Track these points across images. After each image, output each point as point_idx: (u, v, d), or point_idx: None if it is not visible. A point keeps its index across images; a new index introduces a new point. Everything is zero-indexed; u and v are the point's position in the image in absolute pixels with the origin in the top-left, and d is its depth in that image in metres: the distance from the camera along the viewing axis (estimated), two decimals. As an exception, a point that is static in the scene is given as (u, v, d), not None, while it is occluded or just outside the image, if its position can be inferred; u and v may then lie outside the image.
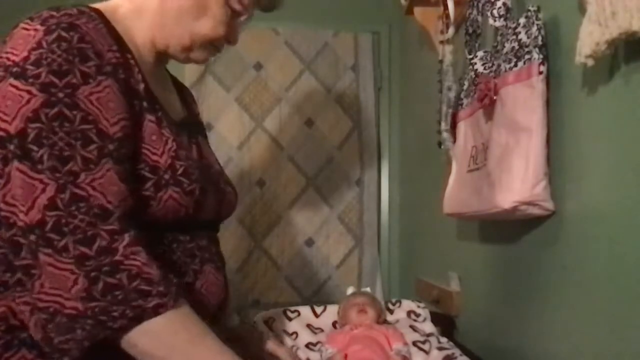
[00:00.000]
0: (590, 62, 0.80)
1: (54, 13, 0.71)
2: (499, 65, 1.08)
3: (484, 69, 1.16)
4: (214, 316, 0.85)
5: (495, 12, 1.08)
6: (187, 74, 2.10)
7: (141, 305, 0.65)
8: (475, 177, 1.18)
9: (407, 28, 2.17)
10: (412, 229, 2.17)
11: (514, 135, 1.02)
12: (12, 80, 0.66)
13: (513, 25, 1.04)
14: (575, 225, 0.95)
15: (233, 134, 2.27)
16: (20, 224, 0.64)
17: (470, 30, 1.22)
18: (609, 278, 0.85)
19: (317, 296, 2.25)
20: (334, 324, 1.37)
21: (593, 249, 0.90)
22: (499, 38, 1.10)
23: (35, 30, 0.69)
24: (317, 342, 1.29)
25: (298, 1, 2.36)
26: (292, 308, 1.39)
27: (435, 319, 1.41)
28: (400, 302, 1.43)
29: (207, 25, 0.84)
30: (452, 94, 1.42)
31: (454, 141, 1.37)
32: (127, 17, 0.82)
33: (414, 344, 1.25)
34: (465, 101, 1.29)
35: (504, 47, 1.06)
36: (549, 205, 1.00)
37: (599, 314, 0.88)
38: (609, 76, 0.84)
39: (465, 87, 1.30)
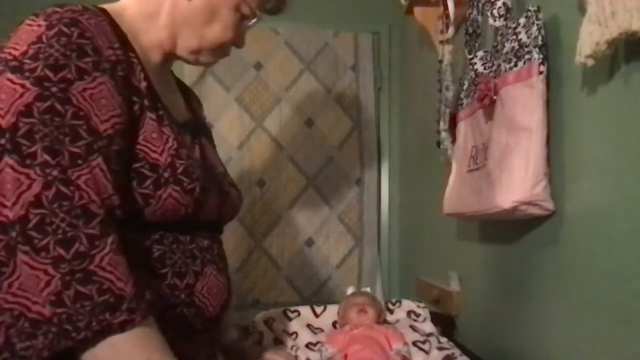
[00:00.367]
0: (590, 62, 0.80)
1: (58, 9, 0.71)
2: (499, 65, 1.08)
3: (484, 69, 1.16)
4: (216, 318, 0.84)
5: (495, 12, 1.08)
6: (187, 74, 2.10)
7: (108, 319, 0.63)
8: (475, 177, 1.18)
9: (407, 28, 2.17)
10: (412, 229, 2.17)
11: (514, 135, 1.02)
12: (8, 74, 0.66)
13: (513, 25, 1.04)
14: (575, 225, 0.95)
15: (233, 134, 2.27)
16: (2, 219, 0.62)
17: (470, 30, 1.22)
18: (609, 278, 0.85)
19: (317, 296, 2.25)
20: (334, 324, 1.37)
21: (593, 249, 0.90)
22: (499, 38, 1.10)
23: (39, 25, 0.69)
24: (317, 342, 1.29)
25: (298, 1, 2.35)
26: (292, 308, 1.39)
27: (435, 319, 1.41)
28: (400, 302, 1.43)
29: (217, 30, 0.86)
30: (449, 94, 1.43)
31: (453, 141, 1.37)
32: (135, 19, 0.83)
33: (414, 344, 1.25)
34: (465, 101, 1.29)
35: (504, 47, 1.06)
36: (549, 205, 1.00)
37: (599, 314, 0.88)
38: (609, 76, 0.84)
39: (465, 87, 1.30)
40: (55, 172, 0.64)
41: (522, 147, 1.00)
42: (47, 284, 0.62)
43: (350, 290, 1.41)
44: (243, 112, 2.28)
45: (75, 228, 0.64)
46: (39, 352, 0.61)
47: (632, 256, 0.80)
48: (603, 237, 0.87)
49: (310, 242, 2.29)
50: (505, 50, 1.05)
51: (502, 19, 1.07)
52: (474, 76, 1.20)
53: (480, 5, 1.17)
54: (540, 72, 0.98)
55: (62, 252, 0.63)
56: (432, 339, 1.28)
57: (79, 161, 0.66)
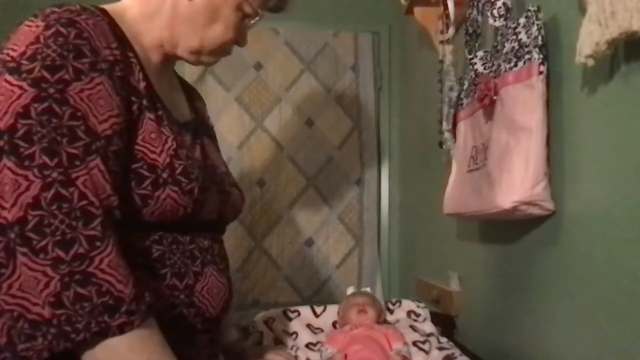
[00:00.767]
0: (590, 62, 0.80)
1: (56, 9, 0.71)
2: (499, 65, 1.08)
3: (484, 69, 1.16)
4: (217, 318, 0.84)
5: (495, 12, 1.08)
6: (187, 74, 2.10)
7: (107, 321, 0.63)
8: (475, 177, 1.18)
9: (407, 28, 2.17)
10: (412, 229, 2.17)
11: (514, 135, 1.02)
12: (7, 76, 0.66)
13: (513, 25, 1.04)
14: (575, 225, 0.95)
15: (233, 134, 2.27)
16: (1, 221, 0.62)
17: (470, 30, 1.22)
18: (609, 278, 0.85)
19: (317, 296, 2.25)
20: (334, 324, 1.37)
21: (593, 249, 0.90)
22: (499, 38, 1.10)
23: (37, 26, 0.69)
24: (317, 342, 1.29)
25: (298, 1, 2.35)
26: (292, 308, 1.39)
27: (435, 319, 1.41)
28: (400, 302, 1.43)
29: (219, 30, 0.85)
30: (453, 94, 1.42)
31: (455, 141, 1.37)
32: (136, 19, 0.83)
33: (414, 344, 1.25)
34: (465, 101, 1.29)
35: (504, 47, 1.06)
36: (549, 205, 1.00)
37: (599, 314, 0.88)
38: (609, 76, 0.84)
39: (465, 87, 1.30)
40: (54, 174, 0.64)
41: (522, 147, 1.00)
42: (47, 285, 0.62)
43: (350, 290, 1.41)
44: (243, 112, 2.28)
45: (75, 229, 0.64)
46: (39, 353, 0.61)
47: (632, 256, 0.80)
48: (603, 237, 0.87)
49: (310, 242, 2.29)
50: (505, 50, 1.05)
51: (502, 19, 1.07)
52: (474, 76, 1.20)
53: (480, 5, 1.17)
54: (540, 72, 0.98)
55: (61, 253, 0.63)
56: (432, 339, 1.28)
57: (77, 162, 0.66)
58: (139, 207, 0.74)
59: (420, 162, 2.01)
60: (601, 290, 0.87)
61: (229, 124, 2.26)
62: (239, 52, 2.25)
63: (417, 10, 1.72)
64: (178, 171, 0.76)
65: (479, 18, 1.19)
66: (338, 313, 1.36)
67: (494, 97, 1.07)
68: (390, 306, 1.42)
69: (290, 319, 1.36)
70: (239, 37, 0.90)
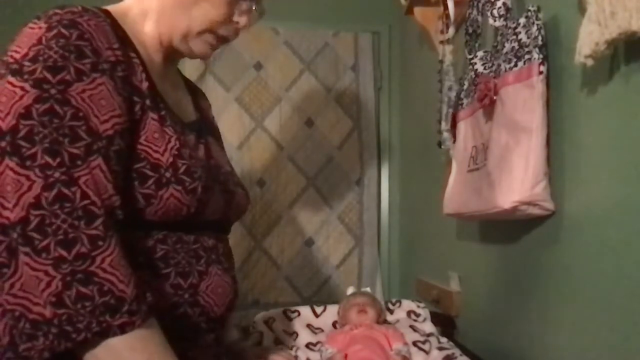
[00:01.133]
0: (590, 62, 0.80)
1: (59, 11, 0.71)
2: (499, 65, 1.08)
3: (484, 69, 1.16)
4: (222, 317, 0.84)
5: (495, 12, 1.08)
6: (187, 73, 2.09)
7: (108, 320, 0.63)
8: (475, 177, 1.18)
9: (407, 28, 2.17)
10: (412, 229, 2.17)
11: (514, 135, 1.02)
12: (9, 77, 0.67)
13: (513, 25, 1.04)
14: (575, 225, 0.95)
15: (233, 134, 2.27)
16: (3, 220, 0.63)
17: (470, 30, 1.22)
18: (609, 278, 0.85)
19: (317, 296, 2.25)
20: (334, 324, 1.37)
21: (593, 249, 0.90)
22: (499, 38, 1.10)
23: (39, 28, 0.70)
24: (317, 342, 1.29)
25: (298, 1, 2.36)
26: (292, 308, 1.39)
27: (435, 319, 1.41)
28: (400, 302, 1.43)
29: (206, 8, 0.84)
30: (452, 94, 1.42)
31: (454, 141, 1.37)
32: (136, 20, 0.84)
33: (414, 344, 1.25)
34: (465, 101, 1.29)
35: (504, 47, 1.06)
36: (549, 205, 1.00)
37: (599, 314, 0.88)
38: (609, 76, 0.84)
39: (465, 87, 1.30)
40: (55, 174, 0.64)
41: (522, 147, 1.00)
42: (48, 284, 0.62)
43: (350, 290, 1.41)
44: (243, 112, 2.28)
45: (77, 229, 0.64)
46: (40, 353, 0.61)
47: (632, 256, 0.80)
48: (603, 237, 0.87)
49: (310, 242, 2.29)
50: (505, 50, 1.05)
51: (502, 19, 1.07)
52: (474, 76, 1.20)
53: (480, 5, 1.17)
54: (540, 72, 0.98)
55: (63, 252, 0.63)
56: (432, 339, 1.28)
57: (79, 162, 0.66)
58: (143, 206, 0.74)
59: (420, 162, 2.01)
60: (601, 290, 0.87)
61: (229, 124, 2.26)
62: (239, 52, 2.28)
63: (417, 10, 1.72)
64: (181, 170, 0.76)
65: (479, 18, 1.19)
66: (338, 313, 1.36)
67: (494, 97, 1.07)
68: (390, 306, 1.42)
69: (290, 319, 1.36)
70: (232, 17, 0.86)
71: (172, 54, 0.89)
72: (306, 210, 2.30)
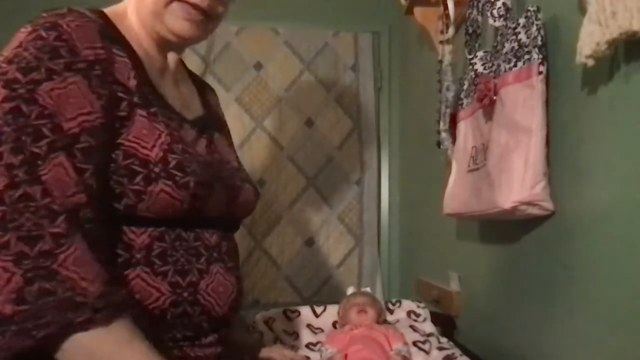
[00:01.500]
0: (590, 62, 0.80)
1: (45, 14, 0.73)
2: (498, 65, 1.08)
3: (484, 69, 1.16)
4: (224, 317, 0.83)
5: (495, 12, 1.08)
6: (187, 74, 2.10)
7: (70, 317, 0.63)
8: (475, 177, 1.18)
9: (407, 28, 2.17)
10: (412, 229, 2.17)
11: (514, 136, 1.02)
12: None
13: (513, 25, 1.04)
14: (575, 225, 0.95)
15: (233, 134, 2.23)
16: None
17: (470, 30, 1.22)
18: (609, 278, 0.85)
19: (317, 296, 2.25)
20: (334, 324, 1.37)
21: (593, 249, 0.90)
22: (498, 38, 1.10)
23: (23, 32, 0.72)
24: (317, 342, 1.29)
25: (298, 1, 2.36)
26: (292, 308, 1.39)
27: (435, 319, 1.41)
28: (400, 302, 1.43)
29: None
30: (450, 94, 1.43)
31: (453, 141, 1.37)
32: (133, 20, 0.85)
33: (414, 344, 1.25)
34: (465, 101, 1.29)
35: (504, 47, 1.06)
36: (549, 205, 1.00)
37: (599, 314, 0.88)
38: (609, 76, 0.84)
39: (465, 87, 1.30)
40: (20, 173, 0.65)
41: (522, 147, 1.00)
42: (8, 280, 0.61)
43: (350, 290, 1.41)
44: (243, 112, 2.28)
45: (41, 227, 0.64)
46: None
47: (631, 256, 0.80)
48: (603, 237, 0.87)
49: (310, 242, 2.29)
50: (505, 50, 1.05)
51: (502, 19, 1.07)
52: (474, 76, 1.20)
53: (480, 5, 1.17)
54: (540, 72, 0.98)
55: (25, 249, 0.62)
56: (432, 339, 1.28)
57: (39, 161, 0.66)
58: (134, 202, 0.74)
59: (420, 162, 2.01)
60: (600, 290, 0.87)
61: (229, 124, 2.25)
62: (239, 52, 2.28)
63: (417, 10, 1.72)
64: (171, 165, 0.76)
65: (479, 18, 1.19)
66: (338, 313, 1.36)
67: (494, 97, 1.07)
68: (390, 306, 1.42)
69: (290, 319, 1.36)
70: None
71: (163, 44, 0.88)
72: (306, 210, 2.30)
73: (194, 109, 0.92)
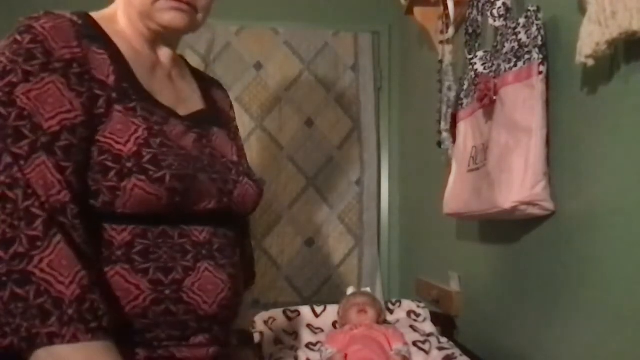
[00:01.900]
0: (590, 62, 0.80)
1: (23, 19, 0.75)
2: (498, 65, 1.08)
3: (484, 69, 1.16)
4: (215, 316, 0.81)
5: (495, 12, 1.08)
6: (187, 74, 2.10)
7: (37, 327, 0.62)
8: (475, 177, 1.18)
9: (407, 28, 2.17)
10: (412, 229, 2.17)
11: (514, 135, 1.02)
12: None
13: (513, 25, 1.04)
14: (575, 225, 0.95)
15: (233, 134, 2.26)
16: None
17: (470, 30, 1.22)
18: (609, 278, 0.85)
19: (317, 296, 2.25)
20: (334, 324, 1.37)
21: (593, 249, 0.90)
22: (498, 38, 1.10)
23: (5, 39, 0.74)
24: (317, 342, 1.29)
25: (298, 1, 2.36)
26: (292, 308, 1.39)
27: (435, 319, 1.41)
28: (400, 302, 1.44)
29: None
30: (452, 94, 1.43)
31: (454, 141, 1.37)
32: (120, 21, 0.86)
33: (414, 344, 1.25)
34: (465, 101, 1.29)
35: (504, 47, 1.06)
36: (549, 205, 1.00)
37: (599, 314, 0.88)
38: (609, 76, 0.84)
39: (465, 87, 1.30)
40: (1, 177, 0.65)
41: (522, 147, 1.00)
42: None
43: (350, 290, 1.41)
44: (243, 112, 2.28)
45: (16, 229, 0.64)
46: None
47: (632, 256, 0.80)
48: (603, 237, 0.87)
49: (310, 242, 2.29)
50: (505, 50, 1.05)
51: (502, 19, 1.07)
52: (474, 76, 1.20)
53: (480, 5, 1.17)
54: (540, 72, 0.98)
55: (0, 253, 0.63)
56: (432, 339, 1.28)
57: (22, 162, 0.67)
58: (110, 199, 0.74)
59: (420, 162, 2.01)
60: (600, 290, 0.87)
61: (229, 124, 2.26)
62: (239, 52, 2.28)
63: (417, 10, 1.72)
64: (145, 159, 0.75)
65: (479, 18, 1.19)
66: (338, 313, 1.36)
67: (494, 97, 1.07)
68: (390, 306, 1.42)
69: (290, 319, 1.36)
70: None
71: (155, 39, 0.89)
72: (306, 210, 2.30)
73: (191, 103, 0.92)
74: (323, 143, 2.31)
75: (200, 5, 0.87)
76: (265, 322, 1.33)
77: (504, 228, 1.22)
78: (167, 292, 0.76)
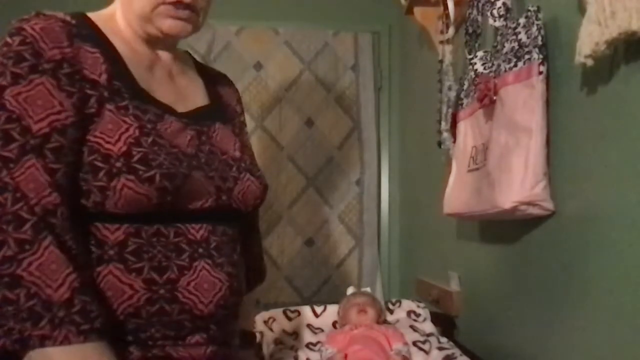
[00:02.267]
0: (590, 62, 0.80)
1: (15, 21, 0.75)
2: (498, 65, 1.08)
3: (484, 69, 1.16)
4: (211, 316, 0.80)
5: (495, 12, 1.08)
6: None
7: (28, 330, 0.62)
8: (475, 177, 1.18)
9: (407, 28, 2.17)
10: (412, 229, 2.17)
11: (514, 136, 1.02)
12: None
13: (513, 25, 1.04)
14: (575, 225, 0.95)
15: (233, 134, 2.26)
16: None
17: (470, 30, 1.22)
18: (609, 278, 0.85)
19: (317, 296, 2.25)
20: (334, 324, 1.37)
21: (593, 249, 0.90)
22: (498, 38, 1.10)
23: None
24: (317, 342, 1.29)
25: (298, 1, 2.36)
26: (292, 308, 1.39)
27: (435, 319, 1.41)
28: (400, 302, 1.44)
29: None
30: (452, 94, 1.42)
31: (454, 141, 1.37)
32: (118, 21, 0.86)
33: (414, 344, 1.25)
34: (465, 101, 1.29)
35: (504, 47, 1.06)
36: (549, 205, 1.00)
37: (599, 314, 0.88)
38: (609, 76, 0.84)
39: (465, 87, 1.30)
40: None
41: (522, 148, 1.00)
42: None
43: (350, 290, 1.41)
44: (243, 112, 2.28)
45: (4, 233, 0.64)
46: None
47: (632, 256, 0.80)
48: (603, 237, 0.87)
49: (310, 242, 2.29)
50: (505, 50, 1.05)
51: (502, 19, 1.07)
52: (474, 76, 1.20)
53: (480, 5, 1.17)
54: (540, 72, 0.98)
55: None
56: (432, 339, 1.28)
57: (11, 165, 0.67)
58: (100, 199, 0.74)
59: (420, 162, 2.01)
60: (600, 290, 0.87)
61: (229, 124, 2.26)
62: (239, 52, 2.28)
63: (417, 10, 1.72)
64: (135, 159, 0.74)
65: (479, 18, 1.19)
66: (338, 313, 1.36)
67: (494, 97, 1.07)
68: (390, 306, 1.43)
69: (290, 319, 1.36)
70: None
71: (153, 42, 0.88)
72: (306, 210, 2.30)
73: (193, 100, 0.91)
74: (323, 143, 2.32)
75: (199, 7, 0.87)
76: (265, 322, 1.33)
77: (504, 228, 1.22)
78: (162, 291, 0.76)
